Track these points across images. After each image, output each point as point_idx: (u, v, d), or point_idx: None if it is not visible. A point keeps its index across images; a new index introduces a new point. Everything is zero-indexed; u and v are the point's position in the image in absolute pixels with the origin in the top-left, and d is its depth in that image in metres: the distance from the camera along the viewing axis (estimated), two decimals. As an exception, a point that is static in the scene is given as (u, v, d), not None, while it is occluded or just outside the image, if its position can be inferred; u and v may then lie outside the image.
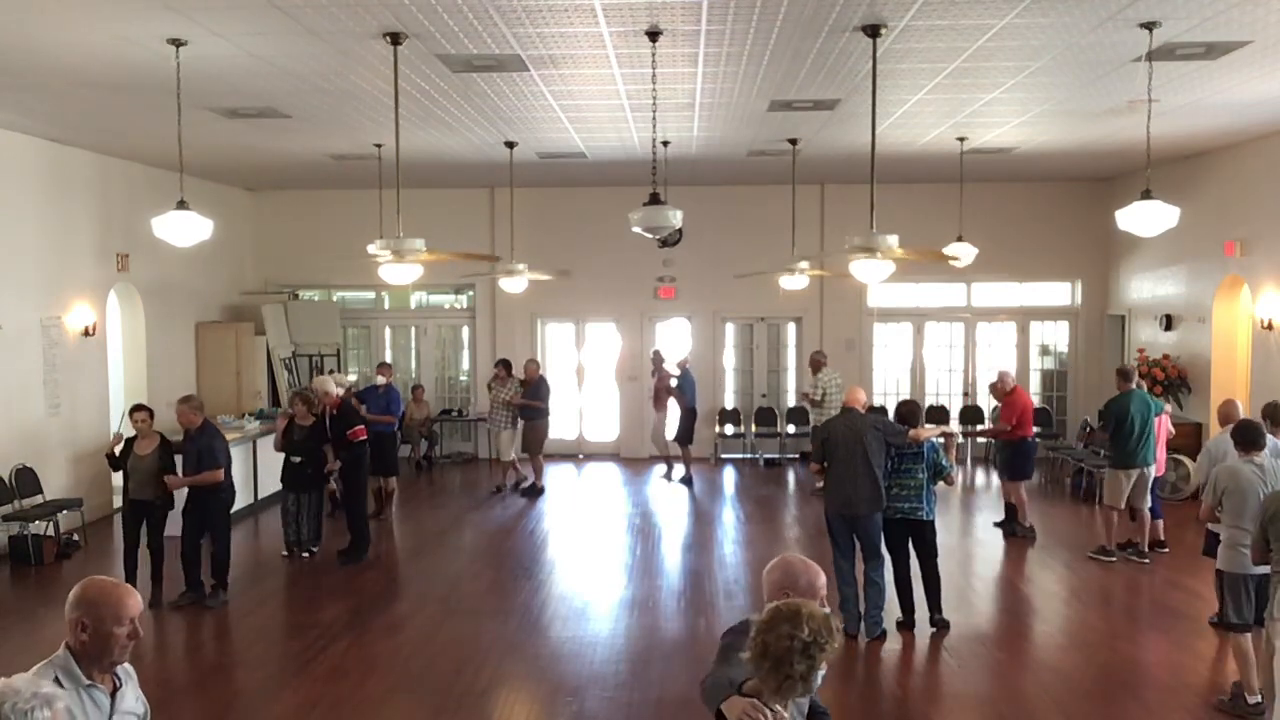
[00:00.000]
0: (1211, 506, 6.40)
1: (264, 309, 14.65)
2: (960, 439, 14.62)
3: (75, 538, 10.51)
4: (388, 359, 15.63)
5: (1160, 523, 9.97)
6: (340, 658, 7.37)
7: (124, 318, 12.69)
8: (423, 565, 10.25)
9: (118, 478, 12.53)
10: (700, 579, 9.40)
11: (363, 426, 10.35)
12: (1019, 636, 7.94)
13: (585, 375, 16.18)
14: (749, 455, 15.73)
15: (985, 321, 15.87)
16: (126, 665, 3.14)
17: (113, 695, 3.06)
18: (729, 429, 15.76)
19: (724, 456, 15.67)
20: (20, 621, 8.14)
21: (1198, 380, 12.28)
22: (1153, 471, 9.64)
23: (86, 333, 11.40)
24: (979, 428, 14.41)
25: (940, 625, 7.79)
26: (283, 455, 10.15)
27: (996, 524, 11.02)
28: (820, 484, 13.01)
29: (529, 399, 13.07)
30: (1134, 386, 9.71)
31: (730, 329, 16.09)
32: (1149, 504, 9.64)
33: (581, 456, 15.90)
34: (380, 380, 12.21)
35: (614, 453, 16.00)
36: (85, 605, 2.99)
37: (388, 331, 16.46)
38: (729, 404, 15.94)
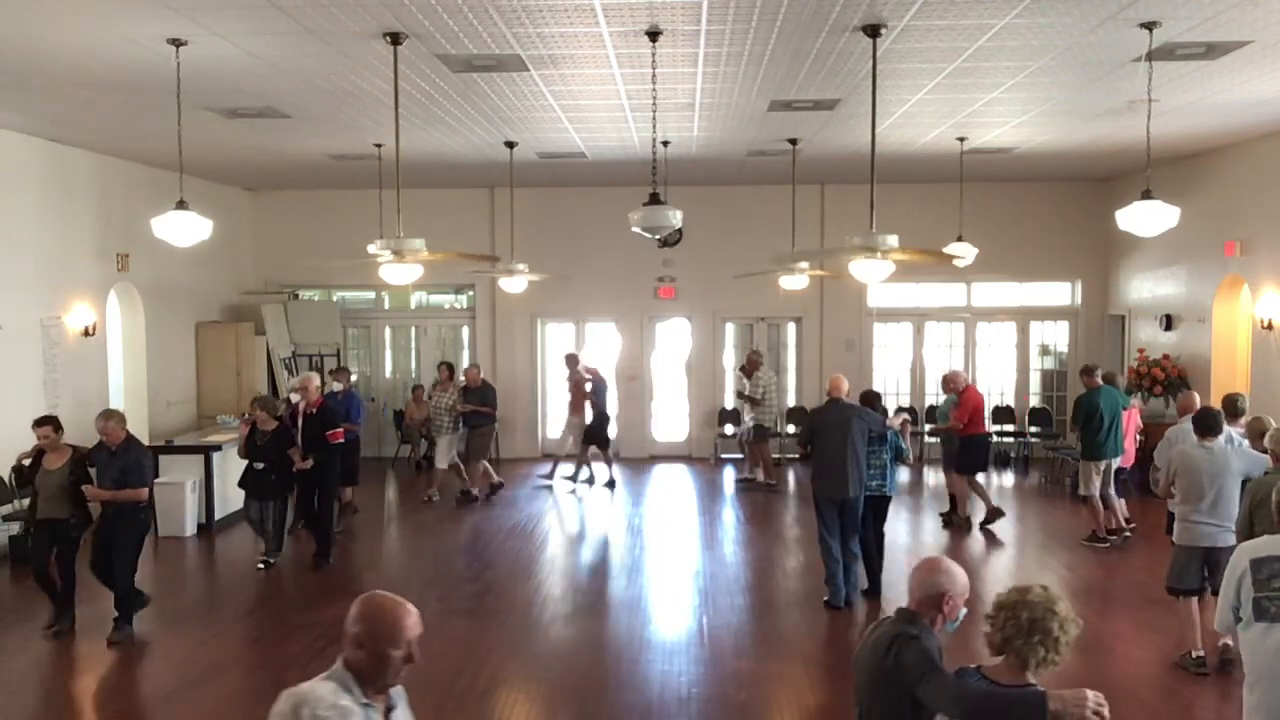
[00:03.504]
0: (1167, 486, 7.10)
1: (264, 309, 14.65)
2: (913, 425, 14.66)
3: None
4: (390, 360, 15.61)
5: (1122, 502, 10.57)
6: (340, 658, 7.36)
7: (124, 318, 12.68)
8: (422, 565, 10.25)
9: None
10: (700, 579, 9.40)
11: (341, 430, 10.14)
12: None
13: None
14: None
15: (985, 321, 15.87)
16: (398, 685, 3.06)
17: (386, 715, 2.99)
18: (729, 429, 15.75)
19: (724, 456, 15.66)
20: (20, 622, 8.13)
21: (1198, 380, 12.27)
22: (1118, 462, 10.28)
23: (86, 333, 11.40)
24: (929, 427, 14.37)
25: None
26: (245, 462, 9.77)
27: (942, 514, 11.57)
28: (774, 480, 13.36)
29: (474, 404, 12.57)
30: (1100, 383, 10.35)
31: (730, 329, 16.09)
32: (1112, 491, 10.34)
33: (581, 456, 15.89)
34: (337, 386, 11.63)
35: (614, 453, 15.97)
36: (364, 623, 2.91)
37: (388, 331, 16.46)
38: (728, 404, 15.93)
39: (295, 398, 10.35)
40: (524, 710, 6.73)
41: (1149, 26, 6.58)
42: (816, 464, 8.54)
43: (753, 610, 8.47)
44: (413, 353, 16.40)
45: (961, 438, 11.14)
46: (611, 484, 13.70)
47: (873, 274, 7.09)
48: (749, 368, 13.50)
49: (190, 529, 10.99)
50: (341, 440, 10.15)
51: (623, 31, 6.69)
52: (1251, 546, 4.43)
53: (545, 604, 8.72)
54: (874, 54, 6.80)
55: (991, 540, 10.79)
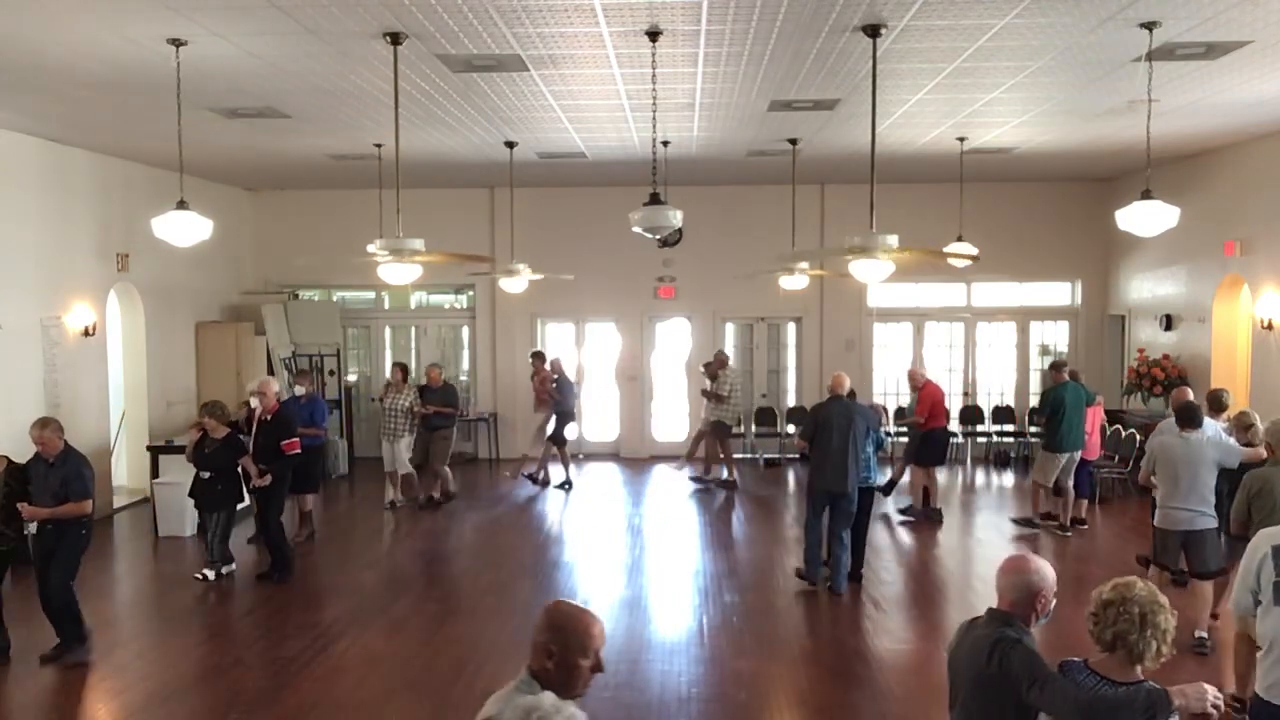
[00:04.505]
0: (1148, 474, 7.62)
1: (264, 309, 14.65)
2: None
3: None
4: (390, 360, 15.54)
5: (1084, 502, 11.16)
6: (340, 658, 7.38)
7: (124, 318, 12.68)
8: (422, 565, 10.26)
9: (120, 475, 12.74)
10: (700, 579, 9.40)
11: (297, 440, 9.45)
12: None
13: (585, 375, 16.18)
14: (749, 455, 15.72)
15: (985, 321, 15.88)
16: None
17: None
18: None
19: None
20: (20, 622, 8.12)
21: (1198, 380, 12.24)
22: (1079, 456, 10.75)
23: (86, 333, 11.40)
24: (896, 424, 14.46)
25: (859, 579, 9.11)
26: (193, 470, 9.24)
27: (901, 510, 11.77)
28: (725, 475, 13.59)
29: (436, 404, 12.17)
30: (1066, 379, 10.83)
31: (730, 329, 16.09)
32: (1071, 482, 10.80)
33: (581, 456, 15.87)
34: (299, 390, 11.14)
35: (614, 453, 16.00)
36: (553, 631, 2.87)
37: (388, 331, 16.46)
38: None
39: (254, 402, 9.72)
40: (524, 710, 6.72)
41: (1149, 26, 6.58)
42: (818, 459, 8.77)
43: (753, 610, 8.47)
44: (413, 353, 16.38)
45: (921, 431, 11.61)
46: (544, 483, 13.53)
47: (873, 274, 7.09)
48: (715, 365, 13.59)
49: (190, 529, 10.97)
50: (298, 451, 9.43)
51: (623, 31, 6.69)
52: (1272, 534, 4.53)
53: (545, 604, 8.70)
54: (874, 54, 6.80)
55: (988, 536, 10.80)
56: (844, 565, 8.82)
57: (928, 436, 11.62)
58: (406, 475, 12.27)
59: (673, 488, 13.71)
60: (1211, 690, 3.15)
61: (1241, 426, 7.82)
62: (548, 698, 2.56)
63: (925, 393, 11.63)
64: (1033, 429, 15.22)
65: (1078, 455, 10.74)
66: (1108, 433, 12.83)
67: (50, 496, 7.16)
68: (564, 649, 2.82)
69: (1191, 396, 8.78)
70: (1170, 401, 9.51)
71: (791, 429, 15.45)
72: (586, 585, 9.33)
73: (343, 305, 16.10)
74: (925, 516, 11.52)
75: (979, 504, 12.57)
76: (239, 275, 15.38)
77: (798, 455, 15.11)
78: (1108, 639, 3.20)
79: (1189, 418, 7.44)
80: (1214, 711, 3.13)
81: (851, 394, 9.43)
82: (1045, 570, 3.48)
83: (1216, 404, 8.40)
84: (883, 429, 9.25)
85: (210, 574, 9.17)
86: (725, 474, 13.67)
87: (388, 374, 13.35)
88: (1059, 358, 13.27)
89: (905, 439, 12.95)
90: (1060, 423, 10.57)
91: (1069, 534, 10.69)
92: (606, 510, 12.52)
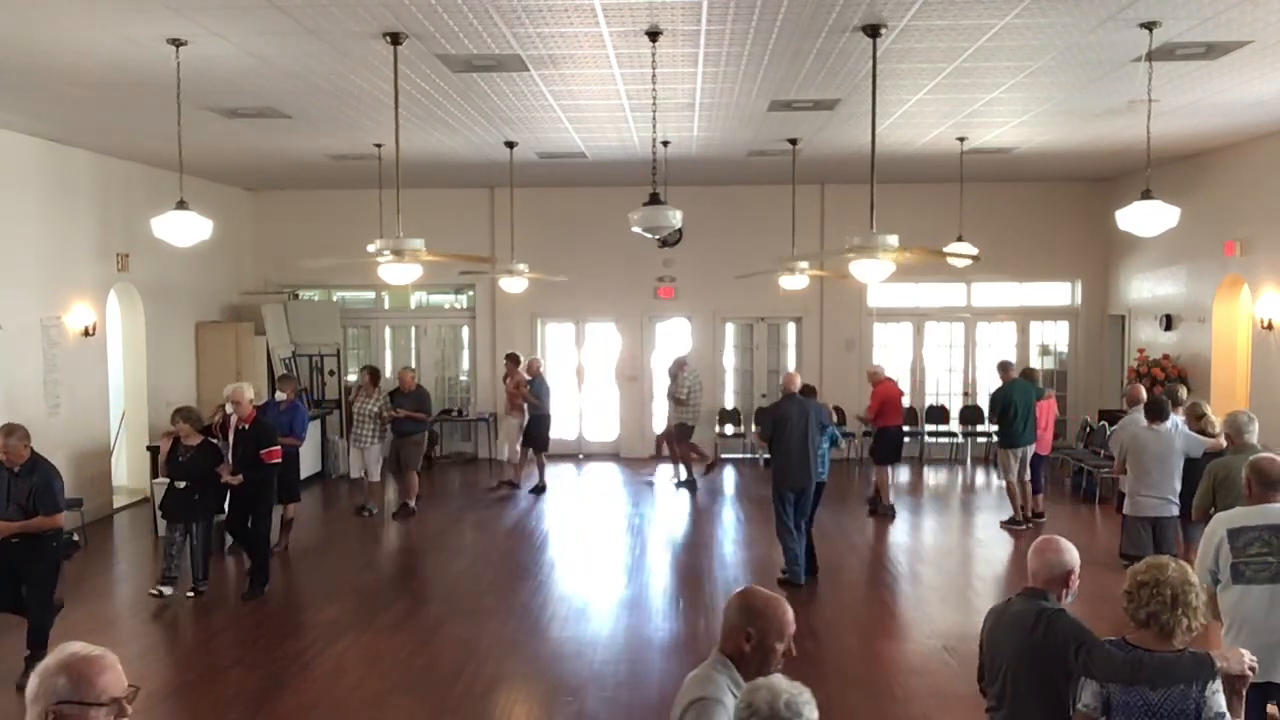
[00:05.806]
0: (1120, 465, 8.08)
1: (264, 309, 14.65)
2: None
3: (75, 538, 10.47)
4: (390, 360, 15.50)
5: (1040, 496, 11.44)
6: (340, 658, 7.38)
7: (124, 318, 12.68)
8: (422, 565, 10.26)
9: (120, 475, 12.74)
10: (700, 579, 9.41)
11: (279, 448, 9.11)
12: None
13: (585, 375, 16.18)
14: (749, 455, 15.73)
15: (985, 321, 15.87)
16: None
17: None
18: (729, 429, 15.75)
19: (724, 456, 15.64)
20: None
21: (1198, 380, 12.27)
22: (1032, 450, 11.12)
23: (86, 333, 11.40)
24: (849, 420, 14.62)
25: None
26: (166, 480, 8.89)
27: (868, 500, 12.06)
28: (651, 478, 13.79)
29: (408, 409, 11.88)
30: (1014, 377, 11.30)
31: (730, 329, 16.09)
32: (1028, 477, 11.19)
33: (582, 456, 15.90)
34: (281, 396, 10.75)
35: (614, 453, 16.00)
36: (752, 614, 3.03)
37: (388, 331, 16.46)
38: (729, 404, 15.94)
39: (229, 409, 9.27)
40: (524, 710, 6.73)
41: (1149, 26, 6.58)
42: (781, 457, 8.98)
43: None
44: (413, 353, 16.39)
45: (876, 429, 11.97)
46: (541, 489, 13.28)
47: (873, 274, 7.09)
48: (679, 369, 13.60)
49: (190, 529, 10.97)
50: (279, 460, 9.12)
51: (623, 31, 6.69)
52: (1227, 517, 4.82)
53: (545, 604, 8.72)
54: (874, 54, 6.80)
55: (987, 536, 10.80)
56: (801, 558, 8.99)
57: (880, 435, 11.93)
58: (375, 484, 12.10)
59: (672, 488, 13.71)
60: (1248, 655, 3.47)
61: (1194, 416, 8.20)
62: (780, 679, 2.65)
63: (877, 391, 11.89)
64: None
65: (1031, 450, 11.07)
66: (1097, 428, 12.86)
67: (16, 508, 6.71)
68: (762, 633, 2.99)
69: (1144, 392, 9.41)
70: (1125, 398, 9.96)
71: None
72: (586, 585, 9.33)
73: (343, 305, 16.10)
74: (874, 511, 11.75)
75: (978, 504, 12.57)
76: (239, 275, 15.38)
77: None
78: (1141, 617, 3.39)
79: (1158, 412, 7.88)
80: (1250, 674, 3.44)
81: (807, 390, 9.57)
82: (1074, 551, 3.75)
83: (1174, 398, 8.78)
84: (834, 425, 9.62)
85: (202, 589, 8.80)
86: (684, 473, 13.62)
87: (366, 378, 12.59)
88: (1005, 359, 13.51)
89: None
90: (1012, 420, 10.95)
91: (1028, 527, 10.90)
92: (606, 510, 12.52)
